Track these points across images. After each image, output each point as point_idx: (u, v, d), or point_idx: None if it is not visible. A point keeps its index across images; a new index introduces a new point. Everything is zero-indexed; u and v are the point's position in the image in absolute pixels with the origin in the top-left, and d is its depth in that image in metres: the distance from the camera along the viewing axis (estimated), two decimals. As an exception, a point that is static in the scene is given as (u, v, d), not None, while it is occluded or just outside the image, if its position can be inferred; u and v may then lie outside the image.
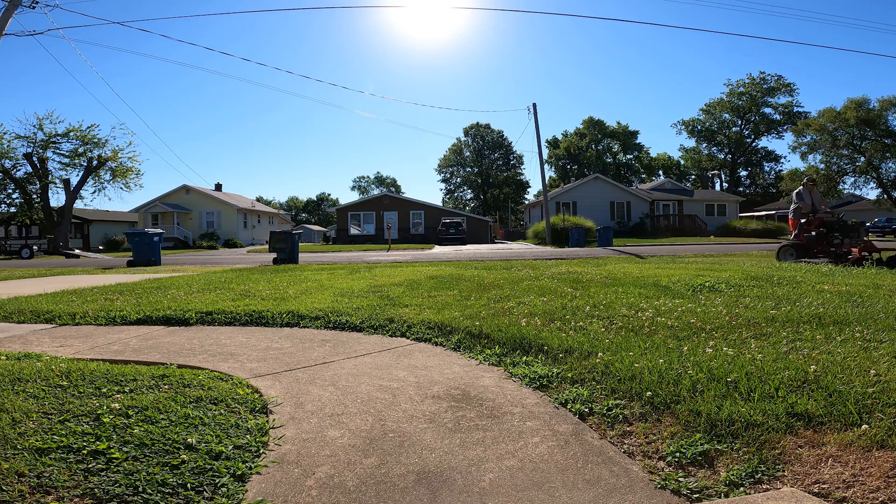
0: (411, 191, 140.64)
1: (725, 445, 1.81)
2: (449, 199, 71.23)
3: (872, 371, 2.32)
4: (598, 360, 2.69)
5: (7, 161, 27.75)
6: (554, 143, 69.76)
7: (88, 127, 29.09)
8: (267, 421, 2.12)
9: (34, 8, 13.27)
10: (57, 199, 29.43)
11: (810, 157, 36.85)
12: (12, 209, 28.84)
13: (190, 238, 37.86)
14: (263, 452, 1.85)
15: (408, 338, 3.61)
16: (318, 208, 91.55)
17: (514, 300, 4.70)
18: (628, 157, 69.51)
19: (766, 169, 63.02)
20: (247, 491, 1.60)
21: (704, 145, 63.20)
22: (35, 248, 24.96)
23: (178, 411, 2.06)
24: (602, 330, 3.39)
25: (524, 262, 10.74)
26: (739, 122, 60.39)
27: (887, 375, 2.25)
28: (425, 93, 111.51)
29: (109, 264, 15.51)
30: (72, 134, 28.57)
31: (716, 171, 63.35)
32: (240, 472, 1.68)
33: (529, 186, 70.01)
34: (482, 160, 68.82)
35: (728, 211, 40.00)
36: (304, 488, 1.62)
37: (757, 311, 3.72)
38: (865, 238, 8.83)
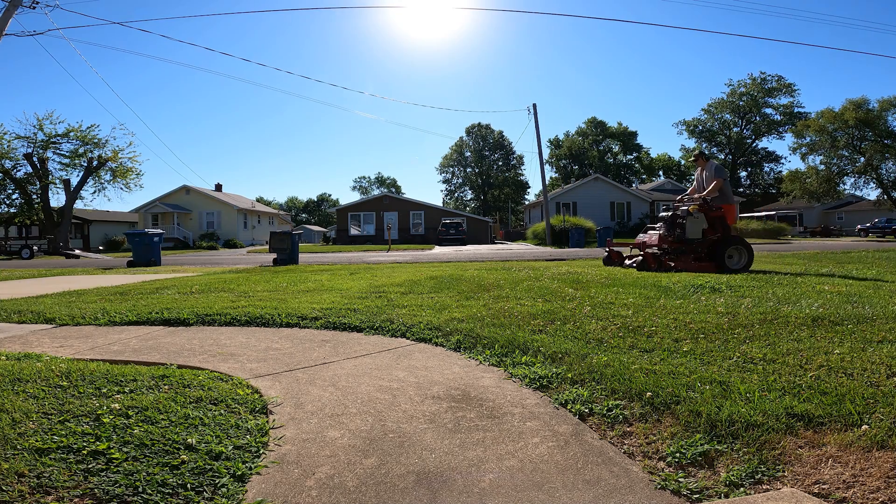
0: (411, 191, 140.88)
1: (725, 446, 1.81)
2: (450, 199, 71.28)
3: (873, 371, 2.33)
4: (598, 361, 2.69)
5: (7, 161, 27.78)
6: (556, 144, 69.79)
7: (88, 127, 29.14)
8: (267, 421, 2.12)
9: (34, 8, 13.28)
10: (57, 199, 29.46)
11: (810, 157, 36.90)
12: (12, 210, 28.86)
13: (190, 238, 37.88)
14: (263, 453, 1.85)
15: (408, 338, 3.61)
16: (319, 209, 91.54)
17: (514, 300, 4.70)
18: (629, 157, 69.55)
19: (766, 169, 63.08)
20: (247, 491, 1.60)
21: (705, 145, 63.22)
22: (35, 248, 24.95)
23: (178, 412, 2.06)
24: (602, 330, 3.39)
25: (524, 262, 10.74)
26: (740, 123, 60.42)
27: (887, 375, 2.26)
28: (426, 93, 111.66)
29: (109, 265, 15.51)
30: (72, 134, 28.61)
31: (716, 172, 63.17)
32: (240, 473, 1.68)
33: (529, 187, 70.12)
34: (483, 160, 68.87)
35: (728, 211, 39.91)
36: (304, 488, 1.62)
37: (757, 311, 3.72)
38: None
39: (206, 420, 2.02)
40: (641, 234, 8.36)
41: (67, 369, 2.53)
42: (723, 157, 62.25)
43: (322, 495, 1.59)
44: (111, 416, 1.96)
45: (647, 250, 7.71)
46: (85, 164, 28.56)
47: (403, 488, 1.63)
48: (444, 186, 72.18)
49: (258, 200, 61.18)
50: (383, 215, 37.78)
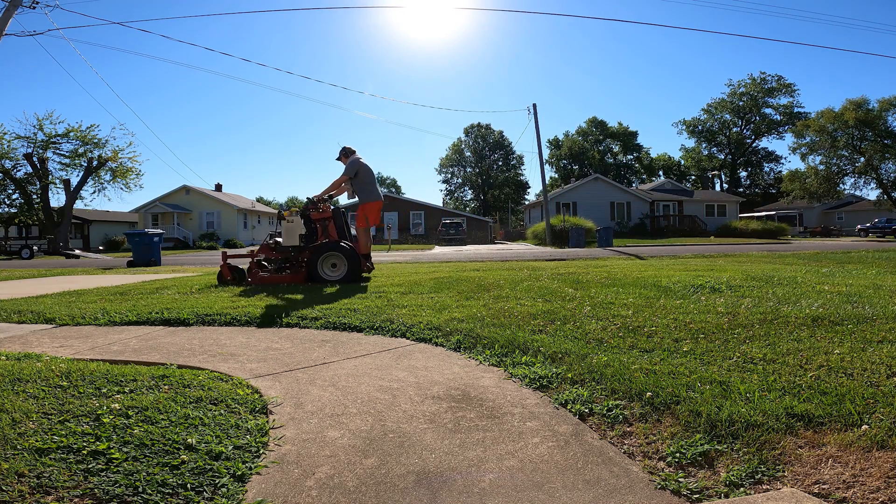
0: (411, 191, 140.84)
1: (725, 446, 1.81)
2: (449, 199, 71.27)
3: (873, 371, 2.33)
4: (598, 361, 2.69)
5: (7, 161, 27.82)
6: (556, 144, 69.80)
7: (88, 127, 29.19)
8: (267, 421, 2.12)
9: (34, 8, 13.27)
10: (57, 199, 29.50)
11: (810, 157, 36.87)
12: (12, 209, 28.89)
13: (190, 238, 37.87)
14: (263, 453, 1.85)
15: (408, 338, 3.61)
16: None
17: (514, 300, 4.70)
18: (629, 157, 69.57)
19: (766, 169, 63.09)
20: (247, 491, 1.60)
21: (705, 145, 63.27)
22: (35, 248, 24.95)
23: (178, 412, 2.06)
24: (602, 330, 3.39)
25: (524, 262, 10.74)
26: (740, 123, 60.45)
27: (887, 375, 2.26)
28: (426, 93, 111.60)
29: (109, 265, 15.51)
30: (72, 134, 28.65)
31: (716, 172, 63.41)
32: (240, 473, 1.68)
33: (529, 187, 70.13)
34: (482, 160, 68.87)
35: (728, 211, 40.02)
36: (304, 488, 1.62)
37: (757, 312, 3.72)
38: None
39: (206, 420, 2.02)
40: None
41: (67, 369, 2.53)
42: (723, 157, 62.30)
43: (322, 495, 1.59)
44: (111, 416, 1.96)
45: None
46: (85, 164, 28.58)
47: (403, 488, 1.63)
48: (443, 186, 72.23)
49: (258, 200, 61.17)
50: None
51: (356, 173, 7.24)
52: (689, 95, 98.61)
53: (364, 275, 7.16)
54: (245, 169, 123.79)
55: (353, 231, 7.49)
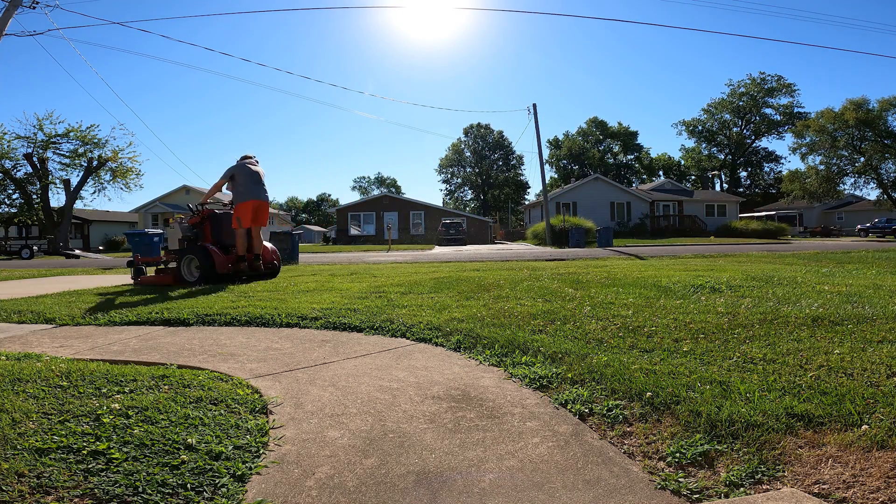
0: (411, 191, 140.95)
1: (725, 446, 1.81)
2: (449, 199, 71.31)
3: (873, 371, 2.33)
4: (598, 361, 2.69)
5: (7, 161, 27.81)
6: (556, 144, 69.82)
7: (88, 127, 29.17)
8: (267, 421, 2.12)
9: (34, 8, 13.27)
10: (57, 199, 29.51)
11: (810, 157, 36.89)
12: (12, 209, 28.88)
13: (190, 238, 37.85)
14: (263, 453, 1.85)
15: (408, 338, 3.61)
16: (318, 209, 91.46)
17: (514, 300, 4.70)
18: (629, 157, 69.60)
19: (766, 169, 63.12)
20: (247, 491, 1.60)
21: (705, 146, 63.30)
22: (35, 248, 24.94)
23: (178, 412, 2.06)
24: (602, 330, 3.39)
25: (524, 262, 10.75)
26: (740, 123, 60.47)
27: (887, 375, 2.26)
28: (426, 93, 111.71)
29: (109, 265, 15.52)
30: (72, 134, 28.64)
31: (716, 172, 63.44)
32: (240, 473, 1.68)
33: (529, 187, 70.20)
34: (482, 160, 68.89)
35: (728, 211, 40.02)
36: (304, 488, 1.62)
37: (757, 312, 3.72)
38: None
39: (206, 420, 2.02)
40: None
41: (67, 369, 2.53)
42: (722, 157, 62.28)
43: (322, 495, 1.59)
44: (111, 416, 1.96)
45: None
46: (85, 164, 28.58)
47: (403, 488, 1.63)
48: (444, 186, 72.27)
49: (258, 200, 60.99)
50: (383, 215, 37.79)
51: (231, 176, 7.36)
52: (689, 95, 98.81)
53: (280, 274, 7.58)
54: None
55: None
